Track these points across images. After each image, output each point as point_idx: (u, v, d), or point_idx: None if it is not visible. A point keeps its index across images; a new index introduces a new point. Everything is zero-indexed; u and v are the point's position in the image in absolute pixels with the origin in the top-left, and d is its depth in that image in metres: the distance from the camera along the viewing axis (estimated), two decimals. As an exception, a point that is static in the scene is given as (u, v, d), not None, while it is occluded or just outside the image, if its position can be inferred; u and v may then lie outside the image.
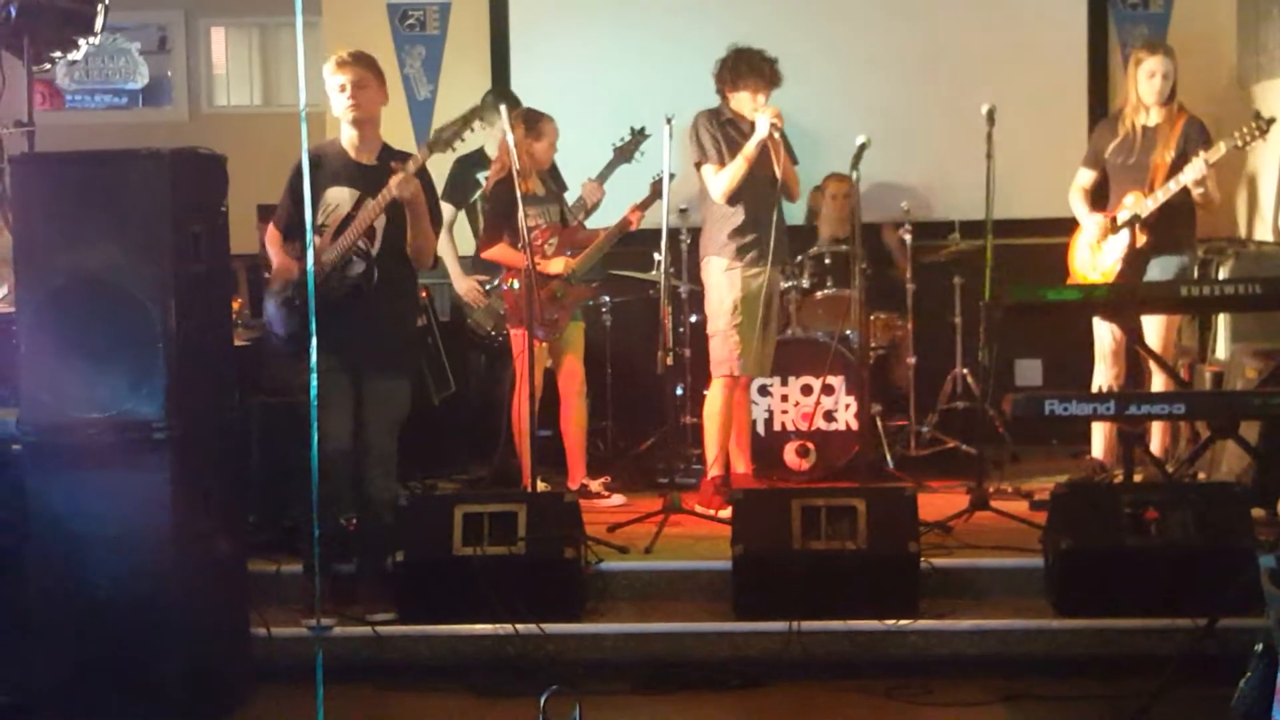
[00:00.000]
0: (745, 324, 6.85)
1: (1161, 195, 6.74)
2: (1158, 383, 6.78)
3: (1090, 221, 7.00)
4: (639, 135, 7.36)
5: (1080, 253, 7.06)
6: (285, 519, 6.31)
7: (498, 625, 5.61)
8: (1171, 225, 6.84)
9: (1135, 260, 6.84)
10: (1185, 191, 6.71)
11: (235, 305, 7.11)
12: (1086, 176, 7.13)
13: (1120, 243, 6.85)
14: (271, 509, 6.38)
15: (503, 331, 7.30)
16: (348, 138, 5.89)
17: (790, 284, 7.62)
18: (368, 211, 5.75)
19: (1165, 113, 6.88)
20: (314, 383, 4.35)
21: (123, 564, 4.95)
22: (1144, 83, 6.88)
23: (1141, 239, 6.81)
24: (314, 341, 4.37)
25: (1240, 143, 6.63)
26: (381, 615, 5.74)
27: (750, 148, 6.74)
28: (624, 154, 7.37)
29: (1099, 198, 7.10)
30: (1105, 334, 6.97)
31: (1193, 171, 6.62)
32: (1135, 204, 6.82)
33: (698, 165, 6.90)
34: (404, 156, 5.97)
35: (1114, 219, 6.88)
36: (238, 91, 10.08)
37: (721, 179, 6.80)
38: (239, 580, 5.50)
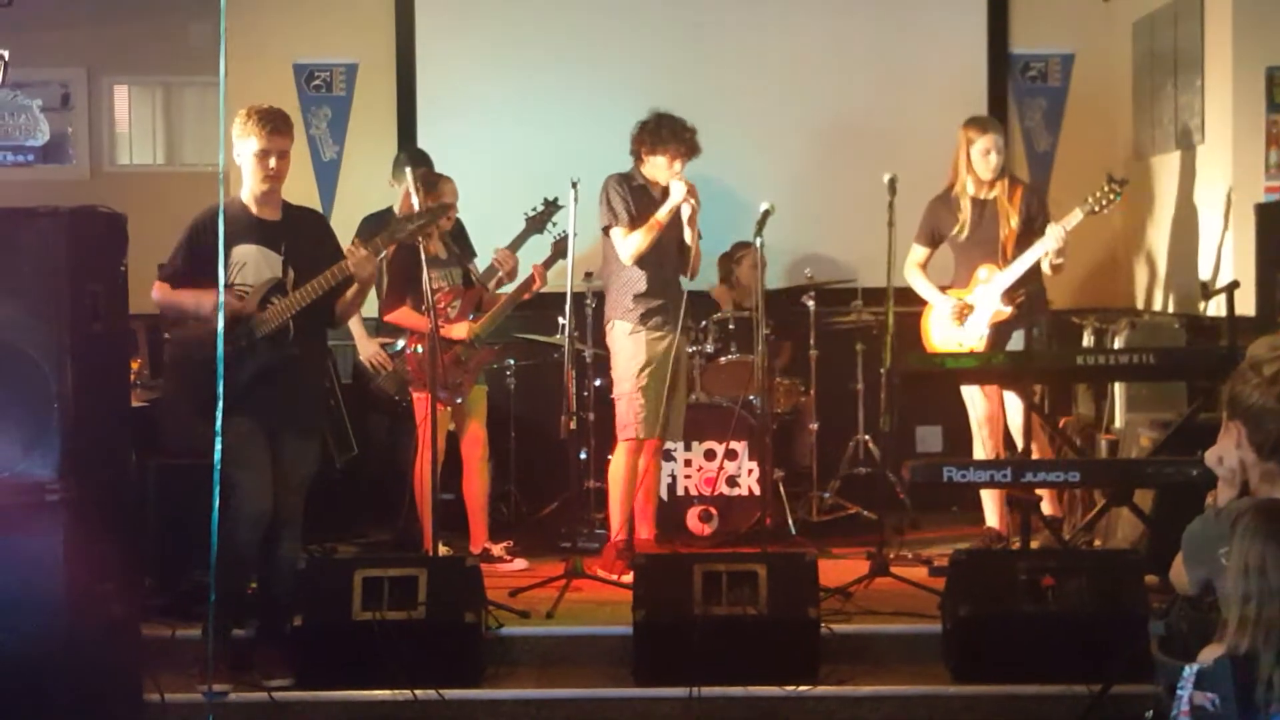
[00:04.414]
0: (650, 387, 6.86)
1: (1019, 266, 6.86)
2: (1033, 448, 6.85)
3: (943, 300, 7.09)
4: (551, 206, 7.34)
5: (938, 327, 7.13)
6: (185, 582, 6.22)
7: (397, 691, 5.56)
8: (1025, 295, 6.95)
9: (1004, 329, 6.94)
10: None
11: (134, 365, 7.02)
12: (921, 253, 7.25)
13: (985, 315, 6.95)
14: (169, 572, 6.29)
15: (407, 397, 7.26)
16: (252, 195, 5.82)
17: (694, 349, 7.65)
18: (311, 288, 5.69)
19: (1001, 185, 7.01)
20: (218, 441, 4.33)
21: (14, 627, 4.85)
22: (979, 160, 7.00)
23: (1009, 311, 6.91)
24: (220, 402, 4.35)
25: (1096, 207, 6.79)
26: (279, 681, 5.66)
27: (664, 213, 6.80)
28: (536, 224, 7.35)
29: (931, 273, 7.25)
30: (977, 401, 7.07)
31: (1053, 239, 6.75)
32: (989, 276, 6.93)
33: (606, 229, 6.92)
34: (308, 213, 5.98)
35: (1009, 296, 6.94)
36: (140, 150, 9.98)
37: (631, 242, 6.83)
38: (133, 644, 5.42)
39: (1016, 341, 6.98)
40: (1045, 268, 6.91)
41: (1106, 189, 6.76)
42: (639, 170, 6.98)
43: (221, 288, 4.98)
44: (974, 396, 7.07)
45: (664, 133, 6.88)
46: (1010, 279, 6.89)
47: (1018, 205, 6.97)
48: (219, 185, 4.66)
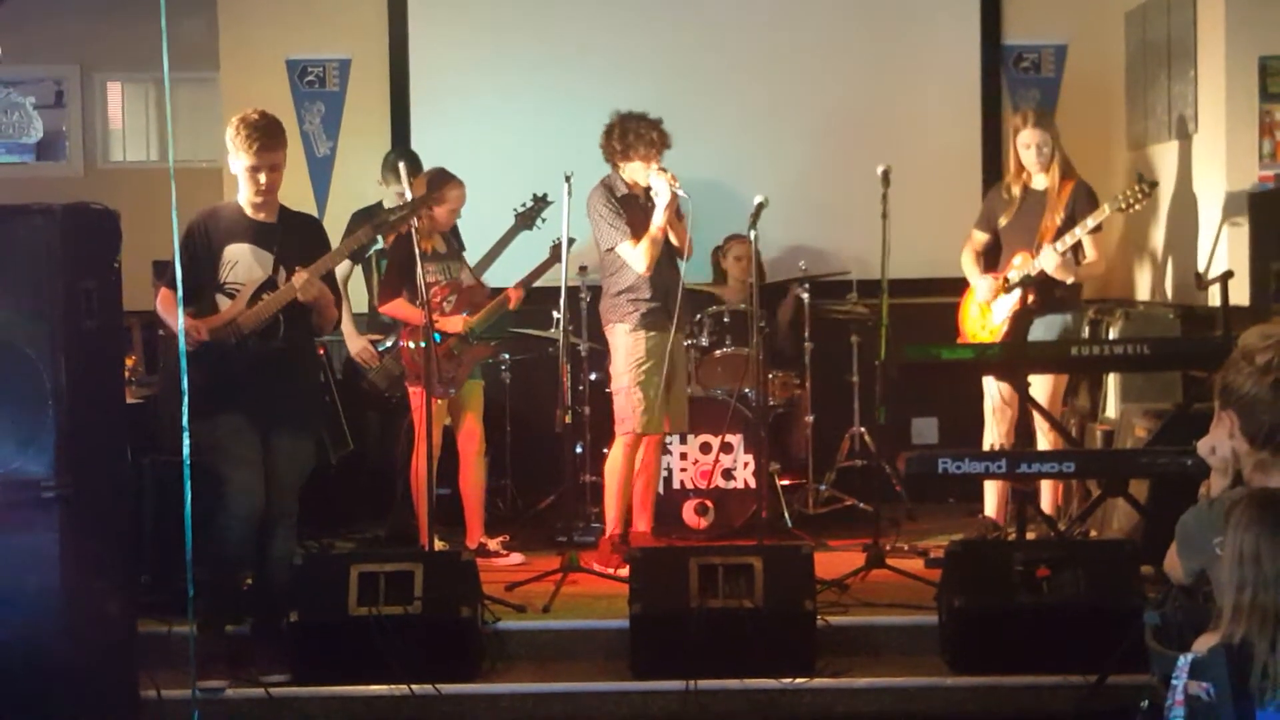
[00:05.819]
0: (649, 382, 6.86)
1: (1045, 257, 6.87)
2: (1045, 439, 6.86)
3: (981, 282, 7.11)
4: (541, 201, 7.34)
5: (971, 312, 7.17)
6: (181, 579, 6.20)
7: (393, 686, 5.56)
8: (1054, 286, 6.96)
9: (1021, 320, 6.95)
10: (1073, 253, 6.85)
11: (128, 362, 7.02)
12: (979, 239, 7.26)
13: (1008, 303, 6.97)
14: (165, 568, 6.28)
15: (398, 391, 7.26)
16: (247, 199, 5.81)
17: (689, 342, 7.64)
18: (281, 295, 5.69)
19: (1052, 177, 7.01)
20: (186, 439, 4.35)
21: (9, 624, 4.86)
22: (1023, 153, 7.04)
23: (1028, 299, 6.93)
24: (185, 400, 4.37)
25: (1124, 205, 6.79)
26: (275, 676, 5.67)
27: (660, 217, 6.77)
28: (526, 220, 7.35)
29: (988, 260, 7.23)
30: (994, 390, 7.07)
31: (1081, 232, 6.76)
32: (1023, 265, 6.94)
33: (611, 249, 6.89)
34: (305, 218, 5.98)
35: (1004, 279, 6.99)
36: (134, 147, 10.01)
37: (641, 254, 6.80)
38: (129, 641, 5.42)
39: (1037, 330, 6.98)
40: (1089, 254, 6.91)
41: (1136, 188, 6.77)
42: (619, 175, 6.97)
43: (180, 299, 5.05)
44: (990, 384, 7.06)
45: (630, 138, 6.85)
46: (1036, 268, 6.89)
47: (1064, 200, 6.96)
48: (170, 184, 4.65)
